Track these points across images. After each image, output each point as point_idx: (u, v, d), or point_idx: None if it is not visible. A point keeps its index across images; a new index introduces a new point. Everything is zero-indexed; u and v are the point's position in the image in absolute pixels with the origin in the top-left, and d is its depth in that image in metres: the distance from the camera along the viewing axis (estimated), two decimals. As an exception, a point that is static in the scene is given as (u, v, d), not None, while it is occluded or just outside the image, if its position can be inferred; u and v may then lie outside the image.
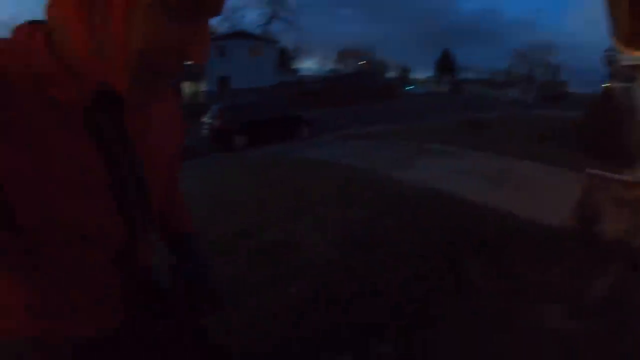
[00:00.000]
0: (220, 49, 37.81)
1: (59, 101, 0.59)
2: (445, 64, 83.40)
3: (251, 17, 61.18)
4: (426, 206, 5.07)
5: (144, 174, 0.72)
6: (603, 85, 10.29)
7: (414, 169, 7.49)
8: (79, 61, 0.58)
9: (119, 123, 0.68)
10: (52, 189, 0.58)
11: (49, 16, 0.60)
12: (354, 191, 5.98)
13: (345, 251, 3.83)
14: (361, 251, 3.81)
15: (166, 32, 0.57)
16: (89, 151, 0.63)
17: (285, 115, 15.36)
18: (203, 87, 38.52)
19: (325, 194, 5.87)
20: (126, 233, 0.72)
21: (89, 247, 0.67)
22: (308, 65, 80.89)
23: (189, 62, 0.61)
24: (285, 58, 65.89)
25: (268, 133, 14.34)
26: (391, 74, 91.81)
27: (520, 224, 4.32)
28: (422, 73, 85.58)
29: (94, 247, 0.68)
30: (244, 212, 5.34)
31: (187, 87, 42.64)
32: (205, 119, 14.78)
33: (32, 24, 0.62)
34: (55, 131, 0.59)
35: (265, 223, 4.79)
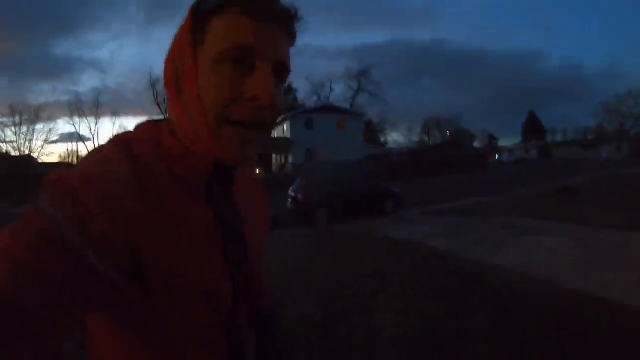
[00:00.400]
0: (308, 122, 39.06)
1: (184, 177, 0.68)
2: (532, 128, 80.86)
3: (339, 91, 63.14)
4: (520, 298, 4.47)
5: (246, 243, 0.78)
6: None
7: (503, 251, 6.84)
8: (193, 142, 0.68)
9: (229, 194, 0.77)
10: (178, 250, 0.63)
11: (167, 110, 0.72)
12: (437, 278, 5.50)
13: (425, 352, 3.38)
14: (443, 353, 3.36)
15: (232, 81, 0.64)
16: (209, 218, 0.70)
17: (369, 189, 14.76)
18: (290, 159, 39.52)
19: (407, 281, 5.45)
20: (233, 297, 0.74)
21: (203, 306, 0.69)
22: (394, 137, 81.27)
23: (261, 108, 0.65)
24: (371, 131, 66.71)
25: (352, 208, 14.00)
26: (478, 143, 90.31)
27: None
28: (509, 140, 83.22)
29: (208, 306, 0.70)
30: (316, 296, 5.08)
31: (275, 159, 43.92)
32: (290, 192, 14.82)
33: (153, 120, 0.75)
34: (182, 201, 0.67)
35: (337, 312, 4.48)
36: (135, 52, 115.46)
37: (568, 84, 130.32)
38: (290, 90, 62.95)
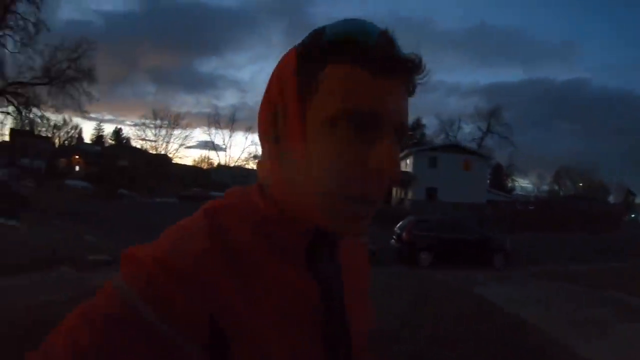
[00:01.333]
0: (432, 159, 38.76)
1: (280, 244, 0.62)
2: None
3: (467, 130, 61.61)
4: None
5: (346, 312, 0.70)
6: None
7: (603, 338, 5.65)
8: (292, 207, 0.61)
9: (333, 259, 0.70)
10: (269, 322, 0.58)
11: (258, 171, 0.68)
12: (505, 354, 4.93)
13: None
14: None
15: (352, 150, 0.56)
16: (310, 286, 0.64)
17: (480, 238, 14.15)
18: (410, 194, 39.40)
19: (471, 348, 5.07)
20: None
21: None
22: (523, 183, 77.30)
23: (378, 186, 0.58)
24: (499, 175, 64.35)
25: (457, 255, 13.58)
26: (613, 198, 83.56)
27: None
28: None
29: None
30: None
31: (395, 193, 43.99)
32: (396, 228, 14.74)
33: (242, 187, 0.70)
34: (277, 271, 0.61)
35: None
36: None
37: None
38: (419, 125, 62.86)
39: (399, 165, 0.58)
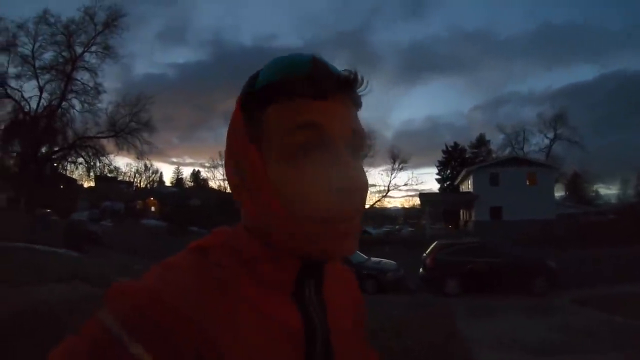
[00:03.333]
0: (493, 176, 37.15)
1: (267, 278, 0.64)
2: None
3: (535, 141, 57.55)
4: None
5: (331, 345, 0.69)
6: None
7: None
8: (272, 242, 0.63)
9: (319, 292, 0.70)
10: (259, 351, 0.59)
11: (242, 212, 0.68)
12: None
13: None
14: None
15: (309, 172, 0.59)
16: (295, 321, 0.64)
17: (515, 260, 12.75)
18: (474, 216, 37.94)
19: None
20: None
21: None
22: (608, 191, 71.45)
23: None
24: (576, 184, 60.41)
25: (488, 281, 12.12)
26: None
27: None
28: None
29: None
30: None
31: (461, 215, 42.57)
32: (423, 255, 13.79)
33: (229, 227, 0.71)
34: (264, 304, 0.62)
35: None
36: None
37: None
38: (483, 142, 60.74)
39: (360, 177, 0.61)
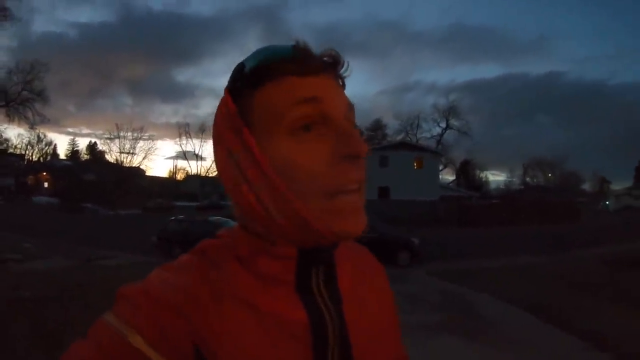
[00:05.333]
0: (383, 159, 38.20)
1: (267, 273, 0.62)
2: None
3: (427, 129, 60.90)
4: None
5: (350, 341, 0.65)
6: None
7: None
8: (271, 233, 0.61)
9: (330, 283, 0.67)
10: (252, 356, 0.58)
11: (236, 209, 0.66)
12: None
13: None
14: None
15: (313, 146, 0.58)
16: (297, 313, 0.62)
17: (385, 237, 13.52)
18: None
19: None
20: None
21: None
22: (497, 177, 77.86)
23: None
24: (467, 170, 63.84)
25: None
26: (589, 187, 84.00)
27: None
28: (621, 184, 75.20)
29: None
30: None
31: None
32: None
33: (232, 227, 0.69)
34: (264, 299, 0.61)
35: None
36: None
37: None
38: (380, 126, 62.60)
39: (364, 143, 0.59)
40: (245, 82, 0.62)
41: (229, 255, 0.65)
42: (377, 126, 62.77)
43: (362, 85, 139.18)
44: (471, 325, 6.45)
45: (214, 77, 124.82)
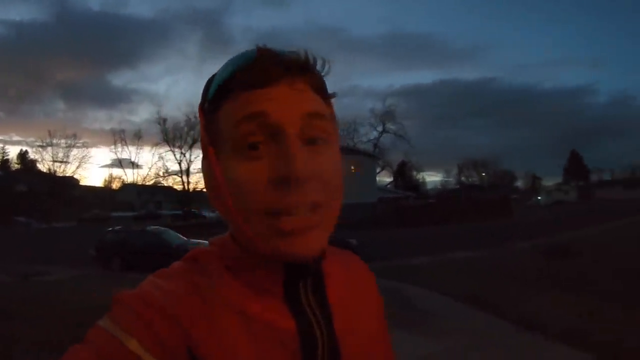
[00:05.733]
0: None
1: (255, 282, 0.63)
2: (574, 167, 77.92)
3: (366, 132, 62.25)
4: None
5: (339, 351, 0.66)
6: None
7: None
8: (254, 243, 0.60)
9: (320, 290, 0.67)
10: (244, 357, 0.58)
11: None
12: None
13: None
14: None
15: (252, 164, 0.57)
16: (287, 326, 0.62)
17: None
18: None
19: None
20: None
21: None
22: (434, 178, 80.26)
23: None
24: (404, 172, 65.01)
25: None
26: (522, 184, 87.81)
27: None
28: (554, 180, 79.90)
29: None
30: None
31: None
32: None
33: (223, 235, 0.69)
34: (253, 307, 0.61)
35: None
36: (187, 88, 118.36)
37: (618, 119, 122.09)
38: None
39: (305, 166, 0.55)
40: (209, 100, 0.62)
41: (219, 264, 0.65)
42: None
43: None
44: (409, 317, 6.51)
45: (151, 81, 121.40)
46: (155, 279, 0.64)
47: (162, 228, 16.25)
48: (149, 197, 60.10)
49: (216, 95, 0.61)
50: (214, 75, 0.64)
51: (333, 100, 0.67)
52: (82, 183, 66.47)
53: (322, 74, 0.64)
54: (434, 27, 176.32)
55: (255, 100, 0.57)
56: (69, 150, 60.29)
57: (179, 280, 0.62)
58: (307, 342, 0.63)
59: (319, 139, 0.60)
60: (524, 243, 15.13)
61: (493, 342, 5.28)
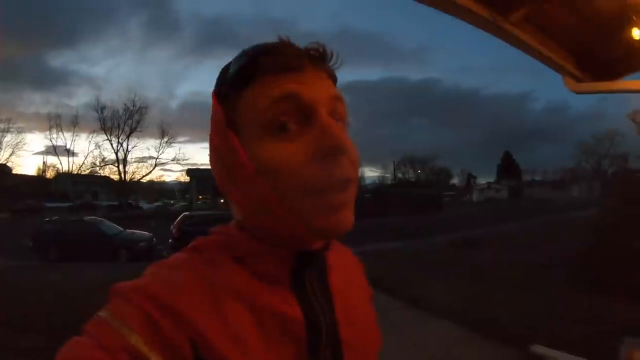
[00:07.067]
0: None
1: (262, 271, 0.63)
2: (507, 167, 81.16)
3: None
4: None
5: (340, 337, 0.67)
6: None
7: None
8: (266, 233, 0.62)
9: (323, 283, 0.69)
10: (249, 350, 0.58)
11: (233, 211, 0.68)
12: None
13: None
14: None
15: (292, 142, 0.58)
16: (294, 312, 0.63)
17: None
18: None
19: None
20: None
21: None
22: (373, 173, 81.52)
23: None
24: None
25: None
26: (458, 182, 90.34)
27: None
28: (488, 179, 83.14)
29: None
30: None
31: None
32: (172, 226, 15.03)
33: (225, 225, 0.70)
34: (260, 296, 0.62)
35: None
36: (128, 72, 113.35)
37: (553, 126, 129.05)
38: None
39: (347, 140, 0.58)
40: (229, 85, 0.62)
41: (225, 254, 0.65)
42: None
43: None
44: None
45: (92, 63, 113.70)
46: (157, 269, 0.64)
47: (99, 218, 16.64)
48: (85, 187, 57.84)
49: (236, 82, 0.61)
50: (229, 64, 0.65)
51: None
52: (14, 172, 61.78)
53: (335, 67, 0.66)
54: (384, 26, 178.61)
55: (286, 82, 0.58)
56: (2, 136, 56.02)
57: (184, 271, 0.62)
58: (312, 330, 0.63)
59: (343, 120, 0.63)
60: (444, 236, 16.14)
61: (380, 317, 5.77)
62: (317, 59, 0.63)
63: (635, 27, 1.87)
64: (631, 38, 1.89)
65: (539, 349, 3.61)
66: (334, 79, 0.66)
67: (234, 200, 0.65)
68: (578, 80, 2.41)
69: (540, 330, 4.86)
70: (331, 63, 0.65)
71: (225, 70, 0.65)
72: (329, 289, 0.70)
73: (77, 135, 60.63)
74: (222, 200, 43.62)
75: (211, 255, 0.65)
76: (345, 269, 0.77)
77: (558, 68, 2.33)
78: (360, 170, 0.64)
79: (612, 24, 1.93)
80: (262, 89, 0.59)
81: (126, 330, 0.54)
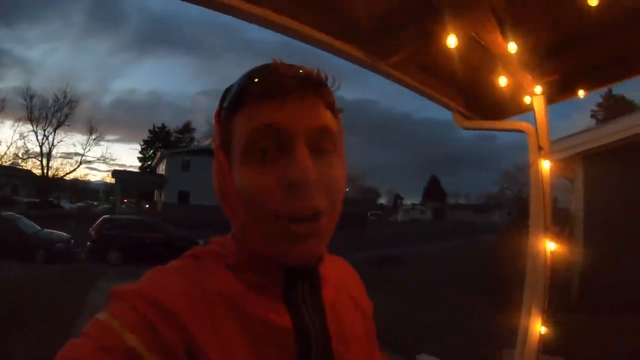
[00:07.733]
0: (185, 163, 38.38)
1: (252, 282, 0.66)
2: (432, 190, 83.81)
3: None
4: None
5: (332, 351, 0.68)
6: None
7: None
8: (254, 247, 0.65)
9: (315, 296, 0.70)
10: (242, 354, 0.60)
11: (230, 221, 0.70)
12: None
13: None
14: None
15: (263, 171, 0.61)
16: (282, 320, 0.64)
17: (173, 237, 14.98)
18: (164, 197, 38.58)
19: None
20: None
21: None
22: None
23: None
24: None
25: (148, 253, 13.57)
26: (385, 201, 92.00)
27: None
28: (415, 200, 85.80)
29: None
30: None
31: (155, 195, 42.08)
32: (91, 229, 14.88)
33: (223, 235, 0.73)
34: (253, 307, 0.64)
35: None
36: (63, 60, 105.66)
37: (479, 153, 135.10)
38: (189, 129, 61.21)
39: (313, 174, 0.59)
40: (225, 108, 0.65)
41: (220, 263, 0.67)
42: (187, 129, 61.29)
43: (186, 82, 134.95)
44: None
45: (28, 45, 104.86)
46: (156, 274, 0.65)
47: (17, 215, 15.83)
48: (5, 179, 54.00)
49: (232, 104, 0.64)
50: (232, 85, 0.67)
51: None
52: None
53: (333, 89, 0.67)
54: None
55: (267, 110, 0.60)
56: None
57: (180, 277, 0.64)
58: (302, 340, 0.65)
59: (325, 151, 0.63)
60: (364, 253, 16.58)
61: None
62: (308, 84, 0.63)
63: (501, 75, 2.06)
64: (500, 85, 2.08)
65: (424, 357, 3.79)
66: (328, 104, 0.66)
67: (225, 213, 0.68)
68: (466, 117, 2.51)
69: (430, 341, 5.15)
70: (322, 89, 0.65)
71: (226, 92, 0.67)
72: (321, 301, 0.71)
73: (1, 122, 56.20)
74: (147, 205, 42.54)
75: (207, 263, 0.67)
76: (341, 283, 0.79)
77: (446, 105, 2.46)
78: (337, 204, 0.65)
79: (487, 70, 2.08)
80: (245, 116, 0.62)
81: (124, 332, 0.55)
